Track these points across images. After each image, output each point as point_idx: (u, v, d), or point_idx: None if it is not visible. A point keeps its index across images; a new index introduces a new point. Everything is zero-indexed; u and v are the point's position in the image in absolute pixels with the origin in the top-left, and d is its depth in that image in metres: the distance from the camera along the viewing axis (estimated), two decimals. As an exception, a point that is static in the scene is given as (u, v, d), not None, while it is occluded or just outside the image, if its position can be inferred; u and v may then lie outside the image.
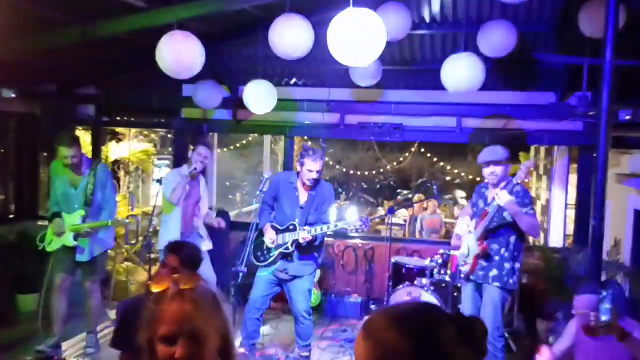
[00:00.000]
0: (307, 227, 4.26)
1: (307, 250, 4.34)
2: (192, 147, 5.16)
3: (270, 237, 4.36)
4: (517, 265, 4.00)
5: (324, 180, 4.54)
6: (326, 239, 5.14)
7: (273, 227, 4.40)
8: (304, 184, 4.35)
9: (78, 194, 4.55)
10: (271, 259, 4.36)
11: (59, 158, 4.51)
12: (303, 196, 4.38)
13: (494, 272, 3.96)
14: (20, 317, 5.52)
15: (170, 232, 4.88)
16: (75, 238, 4.52)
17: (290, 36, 3.82)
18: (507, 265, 3.95)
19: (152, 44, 3.88)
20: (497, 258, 4.00)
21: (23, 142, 6.53)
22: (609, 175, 3.47)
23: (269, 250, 4.38)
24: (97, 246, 4.65)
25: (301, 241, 4.22)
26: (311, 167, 4.22)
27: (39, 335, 4.71)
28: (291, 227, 4.31)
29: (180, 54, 3.81)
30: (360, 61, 3.35)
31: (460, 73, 4.38)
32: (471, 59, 4.38)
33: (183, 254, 2.83)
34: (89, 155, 5.98)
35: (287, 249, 4.29)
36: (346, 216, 5.11)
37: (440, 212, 9.09)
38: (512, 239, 4.00)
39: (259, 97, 5.20)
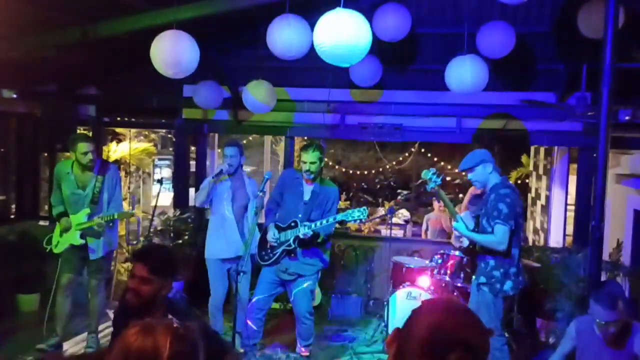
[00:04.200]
0: (307, 223, 4.26)
1: (309, 247, 4.34)
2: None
3: (272, 236, 4.38)
4: (513, 269, 3.82)
5: (329, 181, 4.61)
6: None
7: (276, 226, 4.42)
8: (306, 180, 4.41)
9: (87, 194, 4.55)
10: (275, 258, 4.36)
11: (77, 155, 4.49)
12: (307, 192, 4.42)
13: (482, 279, 3.87)
14: (20, 317, 5.53)
15: (217, 238, 4.75)
16: (82, 237, 4.52)
17: (287, 36, 3.83)
18: (496, 272, 3.81)
19: (152, 44, 3.89)
20: (482, 264, 3.90)
21: (23, 142, 6.53)
22: (608, 176, 3.48)
23: (273, 248, 4.39)
24: (106, 244, 4.66)
25: (301, 236, 4.23)
26: (304, 159, 4.34)
27: (41, 334, 4.72)
28: (292, 224, 4.32)
29: (171, 53, 3.82)
30: (345, 61, 3.39)
31: (465, 74, 4.38)
32: (475, 61, 4.39)
33: (152, 261, 2.49)
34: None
35: (289, 245, 4.30)
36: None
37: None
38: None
39: (259, 97, 5.21)
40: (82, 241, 4.52)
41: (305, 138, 8.95)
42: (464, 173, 4.11)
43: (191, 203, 6.51)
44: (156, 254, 2.61)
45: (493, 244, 3.76)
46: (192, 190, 6.36)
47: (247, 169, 12.91)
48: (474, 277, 4.10)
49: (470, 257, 4.23)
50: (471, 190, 7.66)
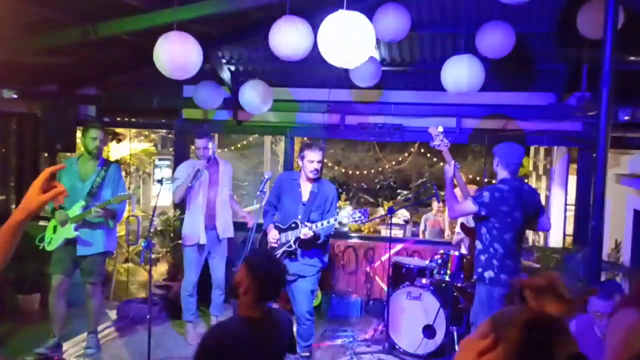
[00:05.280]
0: (308, 224, 4.27)
1: (309, 248, 4.35)
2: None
3: (272, 237, 4.39)
4: (495, 262, 3.79)
5: (326, 179, 4.63)
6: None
7: (276, 227, 4.42)
8: (307, 179, 4.41)
9: (85, 187, 4.55)
10: (275, 259, 4.37)
11: (86, 140, 4.57)
12: (305, 193, 4.42)
13: (479, 269, 3.91)
14: (20, 317, 5.53)
15: (192, 224, 4.96)
16: (77, 229, 4.50)
17: (290, 38, 3.83)
18: (482, 257, 3.86)
19: (152, 44, 3.89)
20: (479, 254, 3.94)
21: (23, 142, 6.54)
22: (608, 176, 3.48)
23: (273, 249, 4.39)
24: (102, 244, 4.62)
25: (302, 236, 4.24)
26: (312, 158, 4.31)
27: (41, 334, 4.72)
28: (293, 225, 4.33)
29: (175, 54, 3.82)
30: (349, 62, 3.39)
31: (461, 74, 4.39)
32: (472, 61, 4.40)
33: (252, 256, 2.61)
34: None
35: (290, 246, 4.31)
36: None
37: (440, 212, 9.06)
38: (483, 230, 3.89)
39: (255, 97, 5.22)
40: (77, 233, 4.47)
41: (306, 138, 9.00)
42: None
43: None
44: (261, 253, 2.83)
45: (450, 205, 3.95)
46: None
47: (246, 169, 12.93)
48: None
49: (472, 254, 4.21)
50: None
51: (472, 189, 7.71)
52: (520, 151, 4.04)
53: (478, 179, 8.98)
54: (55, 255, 4.59)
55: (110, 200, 4.47)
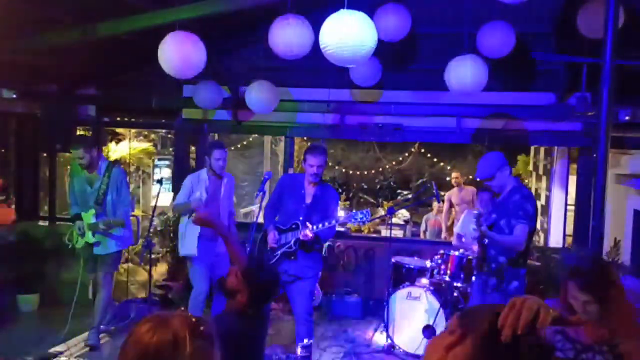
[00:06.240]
0: (309, 224, 4.26)
1: (309, 250, 4.34)
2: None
3: (272, 238, 4.38)
4: (523, 271, 3.79)
5: (329, 184, 4.64)
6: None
7: (276, 228, 4.42)
8: (309, 183, 4.41)
9: (93, 192, 4.74)
10: (274, 259, 4.36)
11: (73, 159, 4.78)
12: (309, 195, 4.42)
13: (492, 280, 3.84)
14: (20, 317, 5.53)
15: (188, 236, 4.91)
16: (93, 234, 4.74)
17: (288, 36, 3.83)
18: (507, 273, 3.77)
19: (152, 44, 3.89)
20: (493, 265, 3.87)
21: (23, 142, 6.54)
22: (608, 176, 3.48)
23: (273, 250, 4.39)
24: (113, 243, 4.82)
25: (302, 237, 4.23)
26: (312, 162, 4.32)
27: (40, 334, 4.75)
28: (293, 226, 4.33)
29: (183, 53, 3.83)
30: (351, 61, 3.39)
31: (465, 74, 4.39)
32: (476, 61, 4.40)
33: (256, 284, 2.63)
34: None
35: (290, 247, 4.30)
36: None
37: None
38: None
39: (262, 97, 5.22)
40: (95, 239, 4.74)
41: (305, 138, 8.99)
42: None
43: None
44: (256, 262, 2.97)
45: (513, 245, 3.71)
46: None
47: (246, 169, 12.92)
48: (473, 277, 4.10)
49: (480, 256, 4.14)
50: (448, 195, 7.73)
51: (470, 189, 7.75)
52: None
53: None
54: (83, 256, 4.90)
55: (111, 222, 4.66)
